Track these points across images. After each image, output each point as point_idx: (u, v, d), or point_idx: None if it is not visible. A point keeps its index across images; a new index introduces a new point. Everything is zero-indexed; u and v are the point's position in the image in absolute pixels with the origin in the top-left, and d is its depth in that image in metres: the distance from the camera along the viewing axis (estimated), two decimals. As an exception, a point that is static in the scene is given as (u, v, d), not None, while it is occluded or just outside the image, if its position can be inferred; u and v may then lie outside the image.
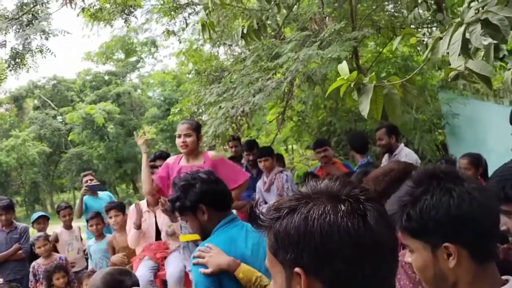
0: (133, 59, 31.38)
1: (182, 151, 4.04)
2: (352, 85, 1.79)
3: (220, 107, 4.74)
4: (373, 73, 2.06)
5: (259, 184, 5.27)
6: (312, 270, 0.83)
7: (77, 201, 6.34)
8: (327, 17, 5.14)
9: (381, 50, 11.40)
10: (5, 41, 4.59)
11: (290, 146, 14.43)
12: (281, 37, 7.00)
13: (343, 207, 0.84)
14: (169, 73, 30.67)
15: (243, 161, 5.74)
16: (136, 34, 14.02)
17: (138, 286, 2.41)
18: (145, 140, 4.34)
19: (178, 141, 4.03)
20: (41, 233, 5.35)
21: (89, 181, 6.38)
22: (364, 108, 1.81)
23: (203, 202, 2.37)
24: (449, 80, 1.71)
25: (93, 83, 32.10)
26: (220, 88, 5.51)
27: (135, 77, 34.48)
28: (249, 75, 5.43)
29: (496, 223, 1.24)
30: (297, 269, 0.84)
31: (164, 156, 5.31)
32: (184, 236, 4.04)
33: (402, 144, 5.32)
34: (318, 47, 4.73)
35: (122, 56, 30.36)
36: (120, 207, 5.16)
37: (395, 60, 10.72)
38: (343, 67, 1.83)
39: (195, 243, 3.99)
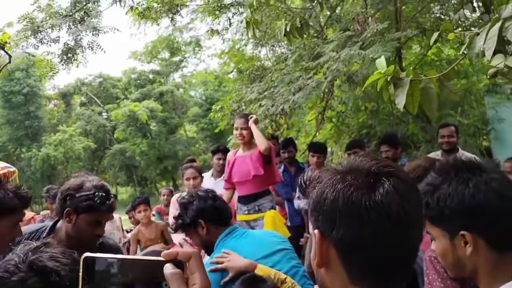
0: (177, 58, 32.02)
1: (239, 141, 4.52)
2: (389, 79, 1.82)
3: (260, 104, 4.83)
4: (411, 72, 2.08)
5: (306, 178, 5.28)
6: (325, 233, 0.91)
7: None
8: (369, 18, 5.12)
9: (425, 52, 11.18)
10: (58, 37, 4.88)
11: (329, 149, 14.32)
12: (324, 38, 7.01)
13: (350, 178, 0.89)
14: (211, 73, 31.14)
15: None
16: (181, 34, 14.33)
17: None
18: None
19: (236, 133, 4.51)
20: None
21: None
22: (400, 101, 1.84)
23: (201, 217, 2.47)
24: (488, 77, 1.72)
25: (138, 81, 33.01)
26: (261, 87, 5.59)
27: (178, 77, 35.23)
28: (290, 74, 5.49)
29: None
30: (315, 231, 0.92)
31: (222, 149, 5.48)
32: (240, 216, 4.52)
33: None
34: (360, 48, 4.73)
35: (167, 55, 31.02)
36: (147, 202, 5.40)
37: (440, 63, 10.49)
38: (381, 61, 1.86)
39: (248, 222, 4.44)
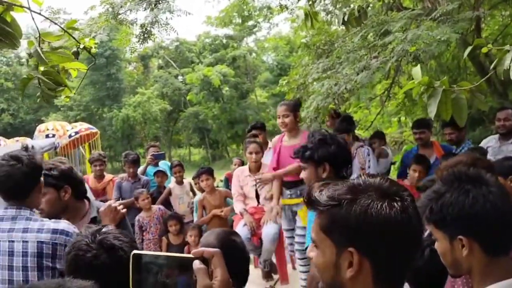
0: (250, 23, 32.05)
1: (282, 130, 4.52)
2: (422, 89, 1.91)
3: (323, 84, 4.92)
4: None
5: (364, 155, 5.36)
6: (364, 251, 1.06)
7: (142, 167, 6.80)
8: (441, -5, 4.97)
9: (509, 21, 10.50)
10: (136, 18, 5.26)
11: (403, 118, 14.04)
12: (398, 9, 6.82)
13: (397, 205, 1.05)
14: (283, 38, 30.95)
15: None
16: (253, 1, 14.38)
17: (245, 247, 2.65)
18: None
19: (278, 122, 4.52)
20: (143, 189, 5.95)
21: (154, 152, 6.81)
22: (432, 111, 1.93)
23: (329, 161, 2.52)
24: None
25: (212, 46, 33.56)
26: (326, 63, 5.65)
27: (251, 41, 35.33)
28: (356, 51, 5.49)
29: (509, 223, 1.39)
30: (350, 249, 1.06)
31: (258, 126, 5.82)
32: (284, 200, 4.56)
33: None
34: (429, 27, 4.64)
35: (240, 20, 31.15)
36: (210, 172, 5.79)
37: (524, 35, 9.81)
38: (417, 70, 1.95)
39: (290, 206, 4.50)
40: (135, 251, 1.04)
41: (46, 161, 2.64)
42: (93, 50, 2.32)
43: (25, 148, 2.38)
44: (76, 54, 2.25)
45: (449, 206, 1.41)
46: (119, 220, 2.48)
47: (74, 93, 2.68)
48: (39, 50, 2.01)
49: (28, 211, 2.32)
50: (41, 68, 2.12)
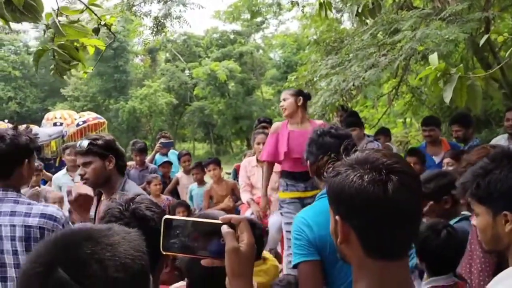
0: (258, 19, 32.02)
1: (283, 114, 4.47)
2: (439, 75, 2.00)
3: (331, 79, 5.00)
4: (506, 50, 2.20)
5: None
6: (346, 219, 1.13)
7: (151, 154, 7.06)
8: (451, -5, 5.04)
9: (518, 26, 10.52)
10: (150, 10, 5.34)
11: (408, 119, 14.08)
12: (408, 8, 6.88)
13: (366, 177, 1.09)
14: (291, 35, 30.91)
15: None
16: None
17: None
18: None
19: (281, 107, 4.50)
20: (157, 175, 6.03)
21: (163, 139, 7.01)
22: (447, 96, 2.02)
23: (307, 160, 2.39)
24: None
25: (219, 41, 33.56)
26: (335, 60, 5.74)
27: (259, 38, 35.30)
28: (365, 48, 5.58)
29: None
30: (336, 217, 1.15)
31: (267, 121, 5.98)
32: (281, 193, 4.48)
33: None
34: (438, 26, 4.73)
35: (248, 16, 31.10)
36: (217, 162, 5.94)
37: (533, 38, 9.81)
38: (433, 58, 2.04)
39: (302, 200, 4.30)
40: (166, 216, 1.14)
41: (91, 134, 2.72)
42: (113, 28, 2.39)
43: (14, 128, 2.38)
44: (97, 31, 2.33)
45: (497, 182, 1.46)
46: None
47: (87, 72, 2.71)
48: (56, 21, 2.07)
49: (15, 193, 2.30)
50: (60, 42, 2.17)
